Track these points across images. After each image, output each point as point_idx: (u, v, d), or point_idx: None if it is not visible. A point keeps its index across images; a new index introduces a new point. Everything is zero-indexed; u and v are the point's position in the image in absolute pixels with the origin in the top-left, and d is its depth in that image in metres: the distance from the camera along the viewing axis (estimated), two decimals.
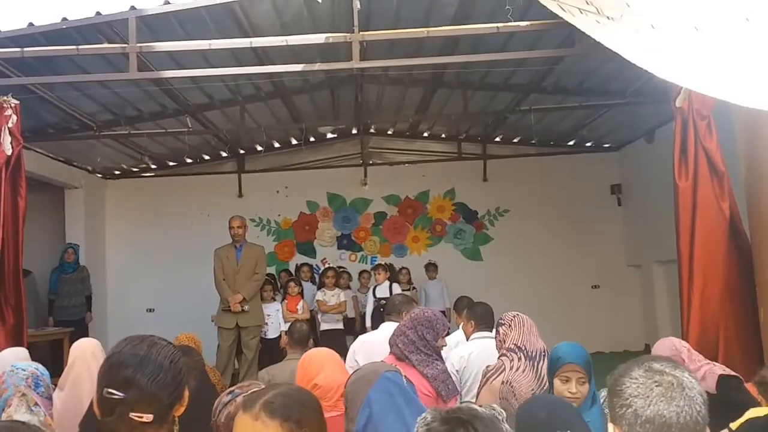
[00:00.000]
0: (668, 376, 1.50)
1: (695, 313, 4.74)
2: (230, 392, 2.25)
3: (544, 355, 3.31)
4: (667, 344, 3.84)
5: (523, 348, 3.38)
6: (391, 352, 3.41)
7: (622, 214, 10.37)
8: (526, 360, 3.32)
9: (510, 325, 3.51)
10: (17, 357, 3.94)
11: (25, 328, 5.50)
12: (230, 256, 7.34)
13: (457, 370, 4.13)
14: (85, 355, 3.94)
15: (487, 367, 3.50)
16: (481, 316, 4.43)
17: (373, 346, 4.14)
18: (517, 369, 3.29)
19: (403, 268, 9.42)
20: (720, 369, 3.70)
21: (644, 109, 7.89)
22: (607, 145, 10.48)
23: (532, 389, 3.19)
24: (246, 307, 7.14)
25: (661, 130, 8.54)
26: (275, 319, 7.72)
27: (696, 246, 4.80)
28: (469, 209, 10.62)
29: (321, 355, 3.62)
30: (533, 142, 10.09)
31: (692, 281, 4.78)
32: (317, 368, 3.46)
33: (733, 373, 3.69)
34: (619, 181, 10.35)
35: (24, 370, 3.39)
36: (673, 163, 5.03)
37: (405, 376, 2.94)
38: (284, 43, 5.53)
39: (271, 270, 9.97)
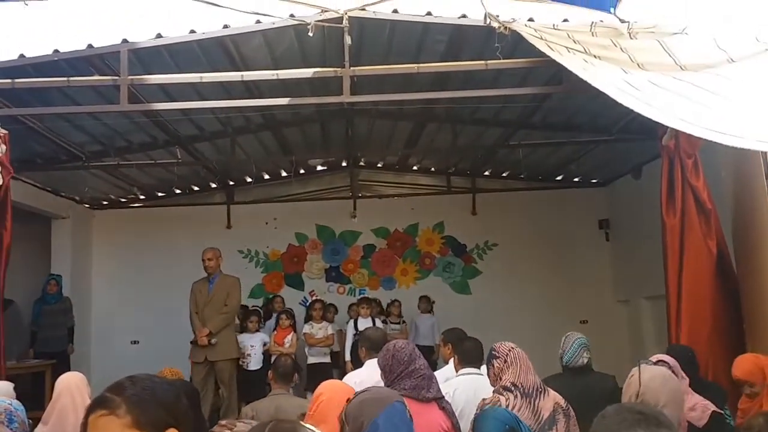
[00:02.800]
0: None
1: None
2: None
3: (540, 391, 3.31)
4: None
5: (520, 386, 3.37)
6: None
7: (610, 249, 10.40)
8: (522, 398, 3.32)
9: (506, 361, 3.49)
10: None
11: (3, 360, 5.39)
12: (203, 289, 7.23)
13: None
14: (71, 389, 3.87)
15: (483, 400, 3.48)
16: (467, 352, 4.37)
17: (363, 386, 4.10)
18: (514, 407, 3.28)
19: (395, 300, 9.38)
20: (713, 406, 3.68)
21: (631, 145, 7.97)
22: (594, 181, 10.56)
23: (531, 426, 3.18)
24: (213, 341, 6.95)
25: (648, 167, 8.62)
26: (258, 351, 7.64)
27: (684, 284, 4.82)
28: (458, 242, 10.62)
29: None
30: (522, 176, 10.16)
31: (680, 319, 4.79)
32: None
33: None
34: (607, 216, 10.41)
35: None
36: (661, 201, 5.07)
37: (408, 410, 2.91)
38: (275, 77, 5.58)
39: (258, 302, 9.91)
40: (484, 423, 2.97)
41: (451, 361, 4.62)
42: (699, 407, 3.60)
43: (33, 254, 9.48)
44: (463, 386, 4.13)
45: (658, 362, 3.55)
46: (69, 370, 8.37)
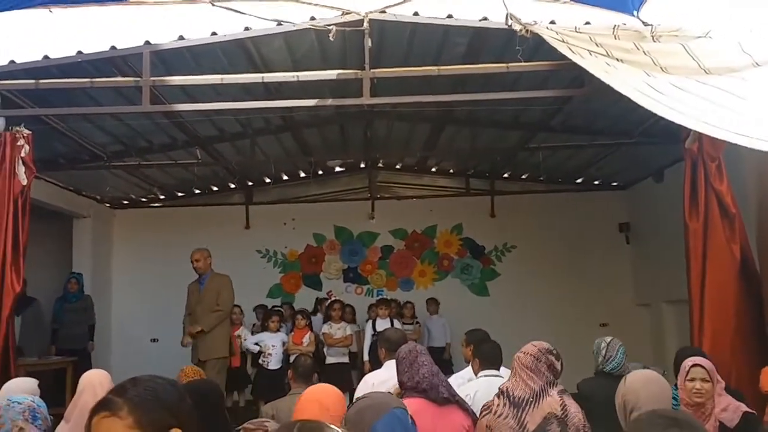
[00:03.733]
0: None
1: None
2: None
3: (532, 401, 3.25)
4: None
5: (511, 394, 3.33)
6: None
7: (631, 253, 10.30)
8: (510, 407, 3.28)
9: (513, 364, 3.51)
10: (23, 388, 3.91)
11: (12, 356, 5.45)
12: (195, 290, 7.26)
13: None
14: (93, 386, 3.88)
15: (486, 402, 3.47)
16: (485, 355, 4.39)
17: (386, 387, 4.12)
18: (500, 415, 3.25)
19: (408, 302, 9.37)
20: (745, 407, 3.71)
21: (653, 148, 7.89)
22: (615, 184, 10.47)
23: None
24: (198, 329, 6.93)
25: (670, 170, 8.53)
26: (278, 351, 7.68)
27: (707, 289, 4.76)
28: (477, 244, 10.59)
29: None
30: (541, 179, 10.10)
31: (703, 324, 4.74)
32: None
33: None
34: (628, 219, 10.31)
35: (20, 403, 3.36)
36: (684, 205, 5.02)
37: (411, 416, 2.90)
38: (295, 79, 5.60)
39: (276, 302, 9.95)
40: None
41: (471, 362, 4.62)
42: (731, 408, 3.64)
43: (55, 253, 9.61)
44: (483, 388, 4.12)
45: (694, 366, 3.63)
46: (90, 367, 8.47)
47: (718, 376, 3.72)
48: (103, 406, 1.54)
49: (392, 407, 2.68)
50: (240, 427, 2.24)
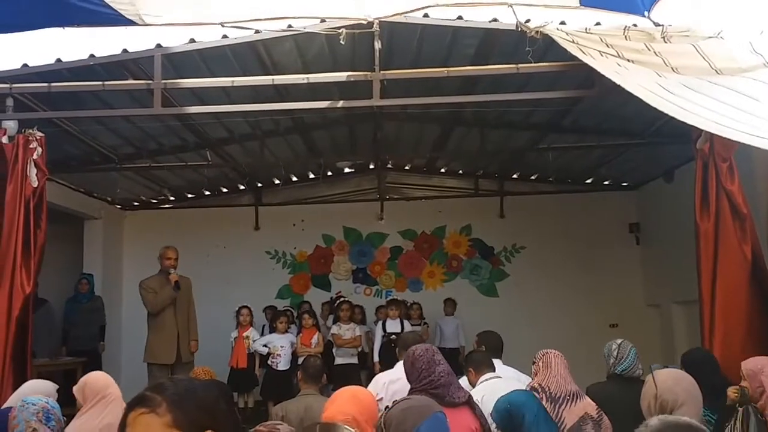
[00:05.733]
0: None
1: (716, 358, 4.66)
2: None
3: (569, 399, 3.32)
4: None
5: (547, 389, 3.39)
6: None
7: (641, 254, 10.27)
8: (547, 401, 3.37)
9: (538, 363, 3.56)
10: (40, 389, 3.93)
11: (29, 358, 5.50)
12: (162, 284, 6.95)
13: None
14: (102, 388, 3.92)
15: None
16: (477, 362, 4.42)
17: (396, 386, 4.16)
18: None
19: (414, 303, 9.37)
20: None
21: (664, 148, 7.87)
22: (625, 184, 10.44)
23: None
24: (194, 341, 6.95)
25: (680, 170, 8.50)
26: (287, 351, 7.70)
27: (718, 290, 4.74)
28: (486, 245, 10.58)
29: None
30: (551, 179, 10.08)
31: (714, 325, 4.72)
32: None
33: None
34: (638, 219, 10.28)
35: (34, 404, 3.39)
36: (694, 205, 5.00)
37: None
38: (305, 81, 5.62)
39: (286, 302, 9.97)
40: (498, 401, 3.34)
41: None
42: None
43: (66, 254, 9.67)
44: (489, 391, 4.14)
45: None
46: (100, 368, 8.53)
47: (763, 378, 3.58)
48: (141, 401, 1.55)
49: (435, 411, 2.72)
50: (252, 429, 2.24)
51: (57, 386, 4.07)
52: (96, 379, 4.00)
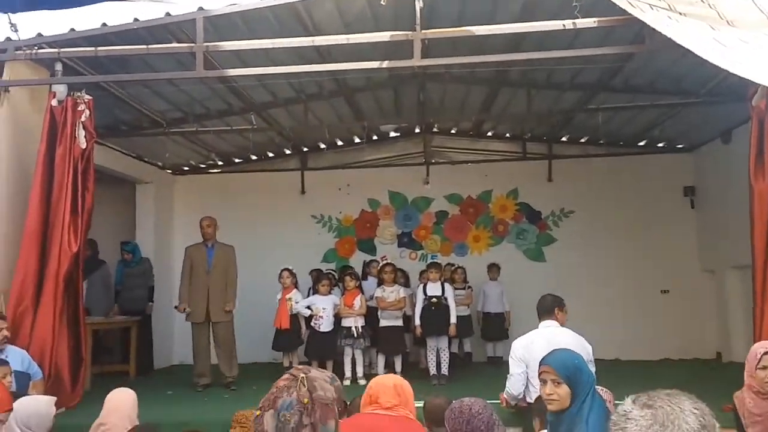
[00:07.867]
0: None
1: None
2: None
3: None
4: None
5: None
6: None
7: (696, 217, 9.95)
8: None
9: None
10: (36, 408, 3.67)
11: (82, 315, 5.74)
12: (200, 256, 7.44)
13: (521, 358, 4.48)
14: (119, 409, 3.83)
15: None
16: (538, 310, 4.70)
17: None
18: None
19: (458, 267, 9.32)
20: None
21: (720, 108, 7.54)
22: (680, 146, 10.08)
23: None
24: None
25: (738, 131, 8.15)
26: (329, 313, 7.80)
27: None
28: (533, 209, 10.41)
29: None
30: (601, 142, 9.81)
31: (765, 291, 4.54)
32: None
33: None
34: (693, 183, 9.93)
35: None
36: (749, 165, 4.79)
37: None
38: (346, 42, 5.56)
39: (331, 266, 10.06)
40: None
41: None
42: None
43: (120, 216, 9.94)
44: (539, 337, 4.46)
45: (766, 353, 3.50)
46: (150, 328, 8.83)
47: None
48: None
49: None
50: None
51: (55, 398, 3.88)
52: (108, 401, 3.91)
